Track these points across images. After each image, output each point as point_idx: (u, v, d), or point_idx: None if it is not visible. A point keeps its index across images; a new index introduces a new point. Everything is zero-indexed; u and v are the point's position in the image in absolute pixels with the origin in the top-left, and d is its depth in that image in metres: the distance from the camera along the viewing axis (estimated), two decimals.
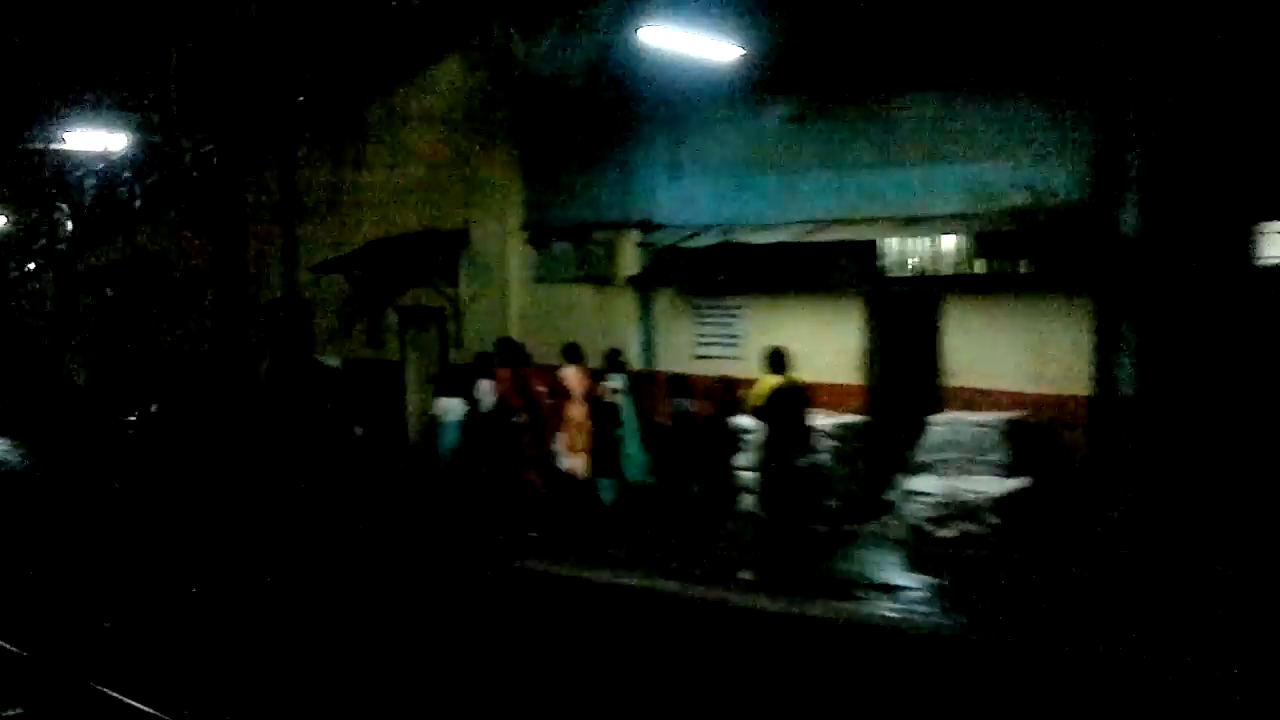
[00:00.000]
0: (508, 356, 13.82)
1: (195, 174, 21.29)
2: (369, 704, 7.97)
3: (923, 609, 9.49)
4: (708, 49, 11.47)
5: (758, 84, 13.18)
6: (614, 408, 11.57)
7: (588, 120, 15.15)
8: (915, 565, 10.61)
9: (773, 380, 10.54)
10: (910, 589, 9.97)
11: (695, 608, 9.91)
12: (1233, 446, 10.72)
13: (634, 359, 14.64)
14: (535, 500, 12.38)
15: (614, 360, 12.34)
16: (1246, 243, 11.31)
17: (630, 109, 14.59)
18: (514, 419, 12.37)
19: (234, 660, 8.93)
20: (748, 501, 12.14)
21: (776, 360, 10.75)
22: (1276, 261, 11.29)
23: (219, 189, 19.63)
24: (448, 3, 16.24)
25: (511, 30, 15.82)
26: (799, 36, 12.70)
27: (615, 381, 11.86)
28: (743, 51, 11.71)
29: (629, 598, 10.23)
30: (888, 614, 9.43)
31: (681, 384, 12.81)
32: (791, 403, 10.58)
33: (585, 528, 11.74)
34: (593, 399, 11.84)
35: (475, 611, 10.09)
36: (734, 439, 11.99)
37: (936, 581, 10.12)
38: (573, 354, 12.80)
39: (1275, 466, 10.45)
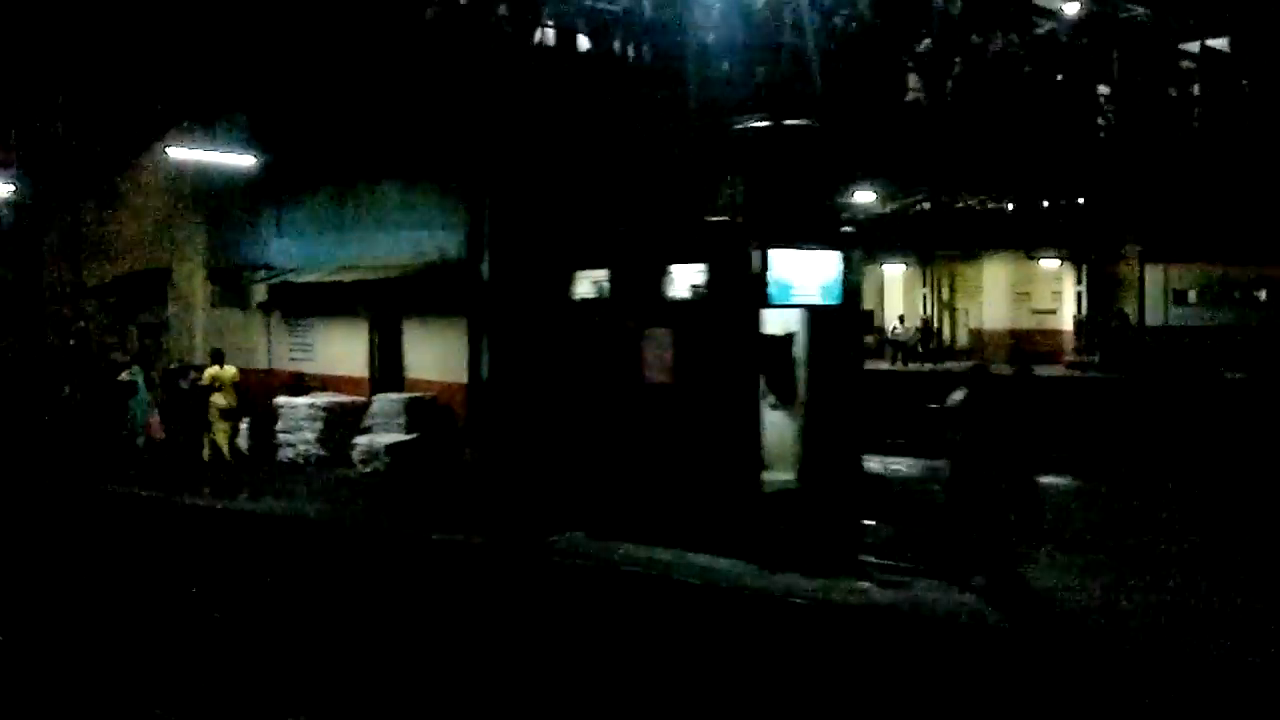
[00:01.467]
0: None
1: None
2: None
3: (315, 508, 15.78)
4: (230, 159, 17.81)
5: (312, 173, 19.57)
6: (130, 387, 17.86)
7: (233, 192, 21.50)
8: (331, 487, 16.83)
9: (214, 369, 16.74)
10: (315, 498, 16.27)
11: (176, 509, 16.20)
12: (553, 416, 16.85)
13: (264, 360, 21.05)
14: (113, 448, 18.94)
15: (137, 357, 18.65)
16: (566, 284, 17.51)
17: (254, 186, 20.89)
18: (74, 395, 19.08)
19: None
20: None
21: (217, 355, 17.00)
22: (583, 296, 17.48)
23: (24, 235, 26.19)
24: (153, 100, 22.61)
25: (194, 124, 22.20)
26: (314, 146, 19.06)
27: (133, 370, 18.14)
28: (257, 161, 18.05)
29: (145, 502, 16.55)
30: (293, 510, 15.73)
31: (186, 370, 19.12)
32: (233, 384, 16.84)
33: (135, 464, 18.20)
34: (118, 383, 18.19)
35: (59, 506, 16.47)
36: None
37: (328, 492, 16.38)
38: (141, 357, 19.30)
39: (577, 432, 16.54)
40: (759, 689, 8.60)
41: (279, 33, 19.09)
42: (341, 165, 19.19)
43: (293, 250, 20.43)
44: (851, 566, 12.07)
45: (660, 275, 16.60)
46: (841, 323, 16.38)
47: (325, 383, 19.54)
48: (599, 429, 16.20)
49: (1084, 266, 35.54)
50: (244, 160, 17.98)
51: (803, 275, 15.19)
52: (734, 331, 15.64)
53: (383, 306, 18.68)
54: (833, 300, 15.54)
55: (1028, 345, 35.02)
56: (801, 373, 16.59)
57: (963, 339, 38.58)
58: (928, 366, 34.83)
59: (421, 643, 9.80)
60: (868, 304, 41.80)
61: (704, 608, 11.05)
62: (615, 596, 11.52)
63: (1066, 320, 36.58)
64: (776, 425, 16.51)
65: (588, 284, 17.59)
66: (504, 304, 17.29)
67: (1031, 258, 36.66)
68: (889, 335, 36.69)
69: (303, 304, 20.03)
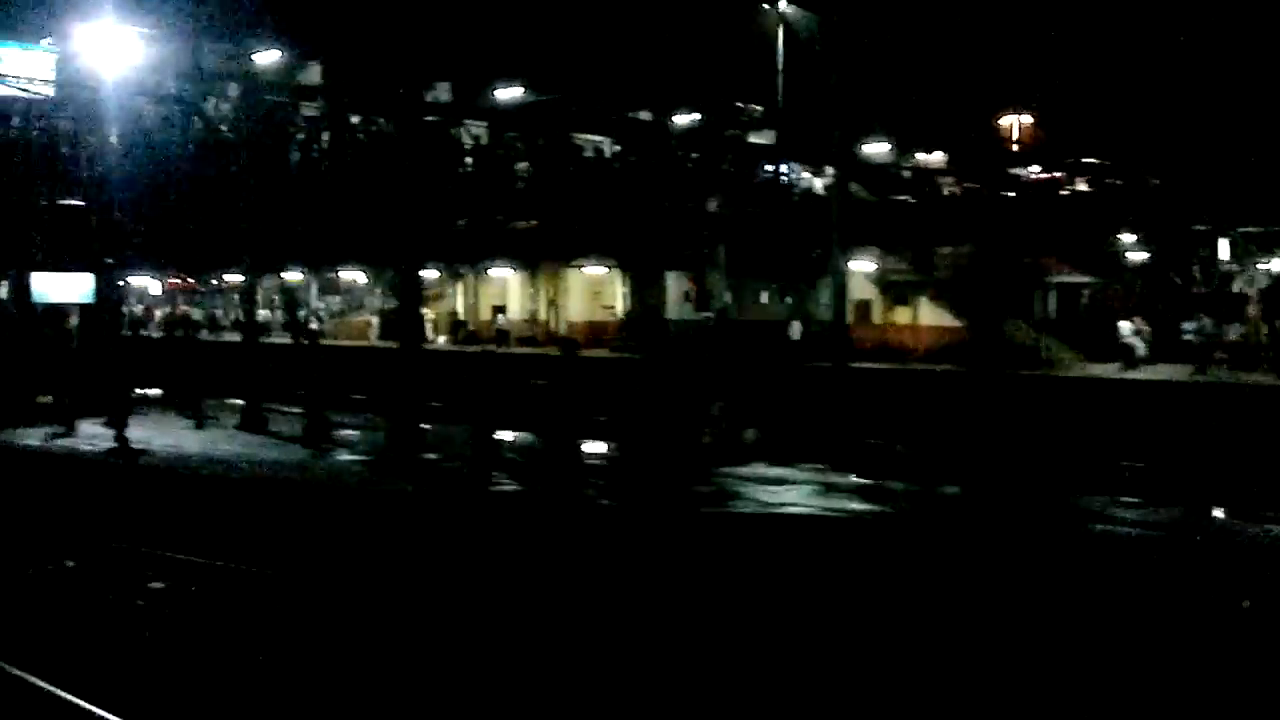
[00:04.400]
0: None
1: None
2: None
3: None
4: None
5: None
6: None
7: None
8: None
9: None
10: None
11: None
12: None
13: None
14: None
15: None
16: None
17: None
18: None
19: None
20: None
21: None
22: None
23: None
24: None
25: None
26: None
27: None
28: None
29: None
30: None
31: None
32: None
33: None
34: None
35: None
36: None
37: None
38: None
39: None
40: None
41: None
42: None
43: None
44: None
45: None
46: (97, 313, 30.08)
47: None
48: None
49: (628, 274, 47.48)
50: None
51: (61, 287, 29.19)
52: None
53: None
54: (89, 300, 29.43)
55: (597, 332, 46.64)
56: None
57: (563, 329, 48.15)
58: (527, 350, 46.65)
59: None
60: (496, 300, 52.81)
61: None
62: None
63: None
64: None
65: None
66: None
67: (571, 266, 47.29)
68: (498, 325, 48.49)
69: None
